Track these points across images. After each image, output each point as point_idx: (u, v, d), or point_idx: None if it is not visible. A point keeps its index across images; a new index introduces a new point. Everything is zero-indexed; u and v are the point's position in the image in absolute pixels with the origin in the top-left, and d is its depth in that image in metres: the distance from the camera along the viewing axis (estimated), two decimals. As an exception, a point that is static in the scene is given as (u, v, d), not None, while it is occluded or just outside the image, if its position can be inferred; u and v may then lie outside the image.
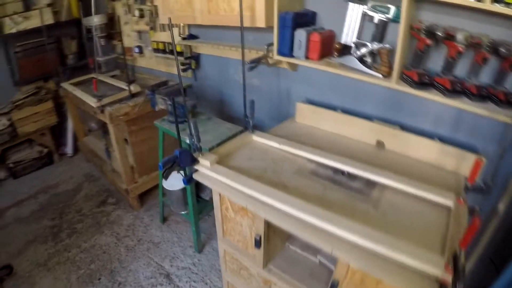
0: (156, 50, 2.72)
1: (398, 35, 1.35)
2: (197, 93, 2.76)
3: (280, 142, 1.60)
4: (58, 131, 3.65)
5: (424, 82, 1.38)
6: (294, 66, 1.90)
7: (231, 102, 2.55)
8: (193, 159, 1.39)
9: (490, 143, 1.47)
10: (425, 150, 1.53)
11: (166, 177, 1.32)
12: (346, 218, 1.10)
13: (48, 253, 2.42)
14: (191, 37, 2.41)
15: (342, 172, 1.46)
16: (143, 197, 2.88)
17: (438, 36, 1.30)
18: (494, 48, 1.24)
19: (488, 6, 1.14)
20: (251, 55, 1.95)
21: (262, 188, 1.25)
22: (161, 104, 2.13)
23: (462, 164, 1.44)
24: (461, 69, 1.41)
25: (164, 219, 2.67)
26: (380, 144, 1.67)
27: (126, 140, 2.50)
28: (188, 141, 1.65)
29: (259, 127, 2.42)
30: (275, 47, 1.73)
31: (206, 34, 2.38)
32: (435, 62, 1.46)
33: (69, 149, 3.68)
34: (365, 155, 1.59)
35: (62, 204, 2.94)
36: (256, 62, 1.79)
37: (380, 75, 1.47)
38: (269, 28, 1.74)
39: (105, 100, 2.30)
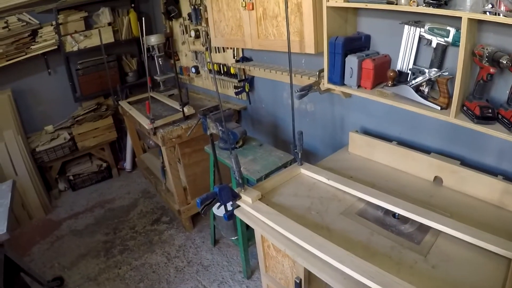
0: (211, 71, 2.90)
1: (458, 62, 1.29)
2: (251, 116, 2.88)
3: (328, 177, 1.63)
4: (117, 147, 4.04)
5: (487, 116, 1.31)
6: (347, 93, 1.91)
7: (284, 127, 2.63)
8: (234, 194, 1.48)
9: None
10: (486, 188, 1.46)
11: (204, 214, 1.42)
12: (390, 272, 1.10)
13: (99, 268, 2.68)
14: (244, 59, 2.53)
15: (393, 214, 1.45)
16: (196, 218, 3.05)
17: (502, 64, 1.21)
18: None
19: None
20: (302, 80, 2.01)
21: (302, 232, 1.29)
22: (213, 129, 2.28)
23: None
24: None
25: (215, 242, 2.81)
26: (437, 180, 1.62)
27: (179, 160, 2.70)
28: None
29: (312, 154, 2.49)
30: (325, 75, 1.76)
31: (260, 56, 2.50)
32: (501, 91, 1.38)
33: (127, 164, 4.05)
34: (421, 193, 1.56)
35: (116, 220, 3.24)
36: (307, 90, 1.84)
37: (438, 107, 1.43)
38: (320, 53, 1.78)
39: (158, 122, 2.52)
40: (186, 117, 2.60)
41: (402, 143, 1.77)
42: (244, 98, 2.77)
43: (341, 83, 1.73)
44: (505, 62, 1.20)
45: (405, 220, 1.41)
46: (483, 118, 1.31)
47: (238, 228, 2.27)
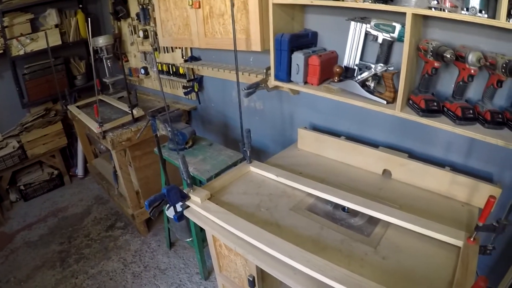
0: (161, 72, 2.77)
1: (403, 57, 1.28)
2: (201, 115, 2.78)
3: (277, 173, 1.57)
4: (68, 153, 3.78)
5: (432, 109, 1.30)
6: (295, 90, 1.88)
7: (234, 126, 2.56)
8: (183, 195, 1.39)
9: (507, 170, 1.39)
10: (434, 180, 1.47)
11: (153, 216, 1.32)
12: (341, 265, 1.06)
13: (56, 279, 2.48)
14: (193, 59, 2.44)
15: (343, 208, 1.42)
16: (151, 221, 2.91)
17: (446, 58, 1.20)
18: (510, 69, 1.11)
19: (503, 23, 1.03)
20: (250, 78, 1.95)
21: (252, 229, 1.23)
22: (162, 130, 2.16)
23: (475, 194, 1.38)
24: (474, 91, 1.33)
25: (171, 245, 2.69)
26: (386, 173, 1.61)
27: (130, 163, 2.55)
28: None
29: (262, 152, 2.43)
30: (272, 72, 1.71)
31: (208, 55, 2.41)
32: (446, 84, 1.39)
33: (79, 171, 3.80)
34: (370, 186, 1.55)
35: (71, 228, 3.02)
36: (254, 87, 1.78)
37: (384, 101, 1.42)
38: (267, 51, 1.72)
39: (107, 126, 2.36)
40: (136, 119, 2.46)
41: (351, 138, 1.76)
42: (193, 98, 2.67)
43: (288, 80, 1.68)
44: (449, 56, 1.20)
45: (355, 213, 1.39)
46: (429, 111, 1.31)
47: (192, 230, 2.17)
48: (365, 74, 1.46)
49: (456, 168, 1.47)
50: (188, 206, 1.41)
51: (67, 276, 2.50)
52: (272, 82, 1.73)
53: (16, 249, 2.83)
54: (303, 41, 1.70)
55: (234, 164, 1.97)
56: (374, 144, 1.68)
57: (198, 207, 1.38)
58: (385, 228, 1.30)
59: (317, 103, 1.90)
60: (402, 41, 1.30)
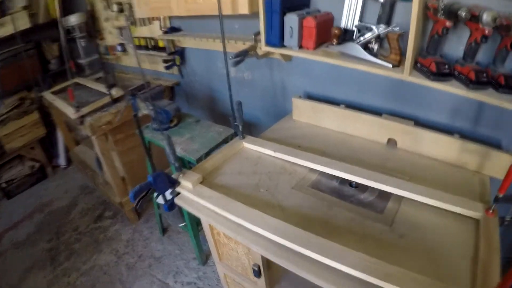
0: (139, 47, 2.51)
1: (411, 17, 1.10)
2: (185, 91, 2.57)
3: (275, 149, 1.40)
4: (48, 143, 3.51)
5: (444, 73, 1.14)
6: (287, 57, 1.68)
7: (221, 99, 2.36)
8: (172, 181, 1.21)
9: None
10: (443, 148, 1.32)
11: (140, 208, 1.14)
12: (356, 249, 0.91)
13: (48, 280, 2.30)
14: (173, 30, 2.20)
15: (350, 183, 1.26)
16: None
17: (460, 17, 1.05)
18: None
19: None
20: (237, 46, 1.73)
21: (252, 214, 1.06)
22: (144, 109, 1.95)
23: (486, 163, 1.25)
24: (483, 55, 1.18)
25: (164, 231, 2.53)
26: (391, 143, 1.46)
27: (114, 148, 2.34)
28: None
29: (254, 125, 2.24)
30: (262, 37, 1.51)
31: (189, 25, 2.17)
32: (455, 47, 1.22)
33: (62, 160, 3.56)
34: (375, 157, 1.39)
35: (58, 223, 2.82)
36: (242, 55, 1.58)
37: (390, 65, 1.24)
38: (255, 14, 1.51)
39: (84, 110, 2.13)
40: (115, 100, 2.24)
41: (350, 105, 1.59)
42: (175, 73, 2.44)
43: (281, 44, 1.48)
44: (464, 14, 1.03)
45: (364, 188, 1.24)
46: (440, 75, 1.14)
47: (184, 214, 2.00)
48: (367, 36, 1.27)
49: (464, 135, 1.33)
50: (179, 193, 1.24)
51: (59, 275, 2.33)
52: (262, 48, 1.53)
53: (4, 252, 2.63)
54: (296, 2, 1.48)
55: (225, 140, 1.79)
56: (376, 112, 1.51)
57: (190, 193, 1.20)
58: (398, 203, 1.15)
59: (311, 70, 1.70)
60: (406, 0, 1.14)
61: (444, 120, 1.41)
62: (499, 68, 1.10)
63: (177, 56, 2.27)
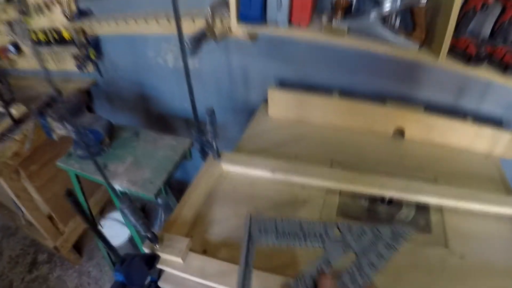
0: (38, 43, 1.82)
1: None
2: (107, 92, 1.99)
3: (271, 168, 1.03)
4: None
5: (483, 56, 0.89)
6: (253, 35, 1.27)
7: (158, 97, 1.86)
8: (149, 260, 0.79)
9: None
10: (455, 134, 1.15)
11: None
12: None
13: None
14: (81, 14, 1.60)
15: (382, 199, 0.97)
16: (79, 243, 2.18)
17: None
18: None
19: None
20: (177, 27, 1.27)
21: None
22: (59, 129, 1.41)
23: (496, 145, 1.13)
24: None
25: (115, 264, 2.05)
26: (397, 133, 1.21)
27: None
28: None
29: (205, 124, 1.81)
30: (233, 10, 1.07)
31: (103, 5, 1.59)
32: (482, 24, 0.97)
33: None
34: (388, 155, 1.15)
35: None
36: (200, 38, 1.14)
37: (416, 45, 0.93)
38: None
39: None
40: (18, 122, 1.60)
41: (342, 93, 1.25)
42: (91, 70, 1.83)
43: (262, 19, 1.06)
44: None
45: (398, 203, 0.96)
46: (479, 59, 0.89)
47: (140, 248, 1.57)
48: (387, 6, 0.92)
49: (467, 115, 1.17)
50: (161, 273, 0.83)
51: None
52: (233, 26, 1.09)
53: None
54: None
55: (184, 156, 1.38)
56: (377, 98, 1.21)
57: (180, 272, 0.80)
58: (440, 214, 0.93)
59: (285, 50, 1.31)
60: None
61: (447, 100, 1.20)
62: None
63: (91, 48, 1.68)
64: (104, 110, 2.08)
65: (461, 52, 0.90)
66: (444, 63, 0.90)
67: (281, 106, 1.32)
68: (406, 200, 0.94)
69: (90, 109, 2.04)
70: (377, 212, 0.95)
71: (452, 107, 1.20)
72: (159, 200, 1.34)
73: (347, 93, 1.25)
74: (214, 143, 1.04)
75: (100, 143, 1.41)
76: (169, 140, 1.45)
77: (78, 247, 2.15)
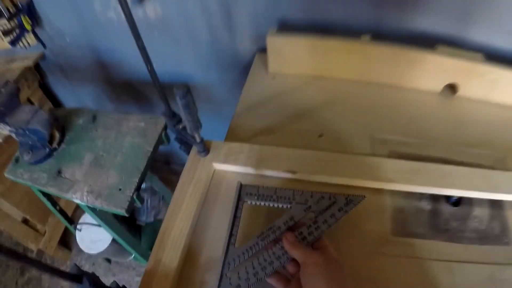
0: None
1: None
2: (59, 64, 1.58)
3: (287, 164, 0.73)
4: None
5: None
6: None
7: (119, 61, 1.46)
8: None
9: None
10: (509, 89, 0.83)
11: None
12: None
13: None
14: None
15: (447, 198, 0.70)
16: (66, 236, 1.94)
17: None
18: None
19: None
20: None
21: None
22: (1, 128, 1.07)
23: None
24: None
25: (109, 262, 1.90)
26: (447, 90, 0.90)
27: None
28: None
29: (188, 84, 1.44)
30: None
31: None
32: None
33: None
34: (440, 123, 0.85)
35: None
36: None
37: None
38: None
39: None
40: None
41: (376, 35, 0.89)
42: (32, 43, 1.41)
43: None
44: None
45: (468, 202, 0.70)
46: None
47: (127, 248, 1.37)
48: None
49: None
50: None
51: None
52: None
53: None
54: None
55: (158, 142, 1.06)
56: (422, 42, 0.86)
57: None
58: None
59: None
60: None
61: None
62: None
63: (24, 16, 1.25)
64: (61, 85, 1.70)
65: None
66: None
67: (287, 57, 0.96)
68: (478, 198, 0.67)
69: (44, 88, 1.68)
70: (443, 219, 0.68)
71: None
72: (143, 186, 1.05)
73: (379, 35, 0.89)
74: (196, 136, 0.71)
75: (49, 141, 1.08)
76: (135, 120, 1.11)
77: (65, 243, 1.93)
